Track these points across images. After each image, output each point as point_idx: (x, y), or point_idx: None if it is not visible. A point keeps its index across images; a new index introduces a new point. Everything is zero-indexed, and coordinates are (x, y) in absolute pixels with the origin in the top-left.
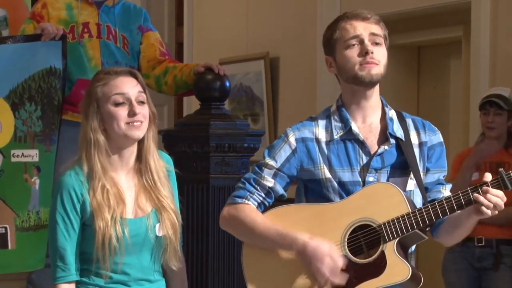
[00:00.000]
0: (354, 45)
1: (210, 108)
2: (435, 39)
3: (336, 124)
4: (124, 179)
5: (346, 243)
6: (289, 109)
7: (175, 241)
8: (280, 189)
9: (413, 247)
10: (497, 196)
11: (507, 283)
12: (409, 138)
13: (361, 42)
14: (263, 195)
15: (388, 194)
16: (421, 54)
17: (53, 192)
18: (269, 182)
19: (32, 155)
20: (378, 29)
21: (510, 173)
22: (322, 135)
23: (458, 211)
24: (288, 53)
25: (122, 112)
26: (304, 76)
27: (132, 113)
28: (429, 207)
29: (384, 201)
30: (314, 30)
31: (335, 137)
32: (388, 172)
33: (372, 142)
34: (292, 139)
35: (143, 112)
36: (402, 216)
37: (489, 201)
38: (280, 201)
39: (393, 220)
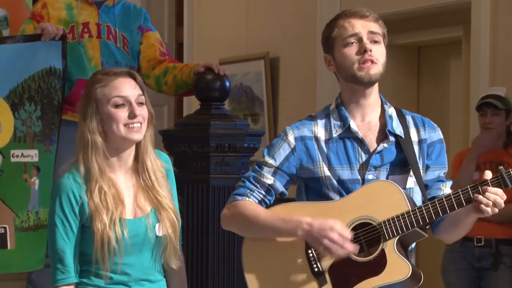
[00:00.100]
0: (352, 43)
1: (210, 108)
2: (435, 39)
3: (335, 122)
4: (122, 179)
5: None
6: (289, 109)
7: (174, 240)
8: (280, 187)
9: (413, 244)
10: (496, 194)
11: (506, 283)
12: (409, 135)
13: (360, 40)
14: (263, 193)
15: (388, 192)
16: (421, 54)
17: (52, 195)
18: (269, 179)
19: (32, 155)
20: (376, 27)
21: (510, 171)
22: (321, 133)
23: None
24: (288, 53)
25: (122, 114)
26: (304, 76)
27: (132, 115)
28: (429, 205)
29: (384, 199)
30: (314, 30)
31: (334, 135)
32: (388, 169)
33: (371, 140)
34: (291, 137)
35: (143, 113)
36: (402, 214)
37: (488, 199)
38: (281, 200)
39: (393, 219)
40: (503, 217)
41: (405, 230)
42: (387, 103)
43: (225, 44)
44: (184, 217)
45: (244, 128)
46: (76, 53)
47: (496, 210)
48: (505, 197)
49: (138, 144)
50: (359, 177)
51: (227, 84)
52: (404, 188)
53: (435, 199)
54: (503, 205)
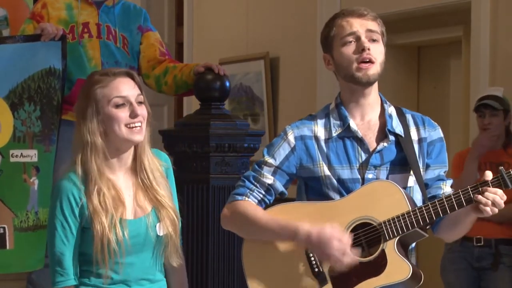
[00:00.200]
0: (350, 42)
1: (210, 108)
2: (435, 39)
3: (334, 122)
4: (122, 179)
5: None
6: (289, 109)
7: (175, 238)
8: (280, 186)
9: (414, 244)
10: (495, 194)
11: (506, 282)
12: (409, 134)
13: (358, 39)
14: (263, 192)
15: (388, 192)
16: (421, 54)
17: (51, 197)
18: (269, 179)
19: (31, 155)
20: (375, 26)
21: (510, 172)
22: (321, 133)
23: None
24: (288, 53)
25: (122, 114)
26: (304, 76)
27: (133, 115)
28: (430, 205)
29: (384, 199)
30: (314, 30)
31: (334, 134)
32: (388, 168)
33: (371, 139)
34: (291, 137)
35: (143, 112)
36: (403, 215)
37: (487, 198)
38: (281, 200)
39: (393, 219)
40: (503, 218)
41: (405, 230)
42: (387, 102)
43: (225, 44)
44: (184, 217)
45: (244, 128)
46: (76, 53)
47: (496, 210)
48: (505, 197)
49: (136, 144)
50: (359, 177)
51: (227, 84)
52: (404, 187)
53: (436, 199)
54: (502, 205)
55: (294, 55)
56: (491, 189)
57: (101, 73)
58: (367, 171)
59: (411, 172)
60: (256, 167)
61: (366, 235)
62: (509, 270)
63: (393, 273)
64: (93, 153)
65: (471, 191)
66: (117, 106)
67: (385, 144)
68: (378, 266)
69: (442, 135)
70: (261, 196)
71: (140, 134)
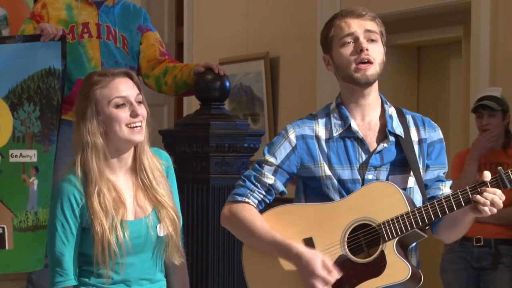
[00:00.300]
0: (349, 42)
1: (210, 108)
2: (435, 39)
3: (335, 121)
4: (122, 179)
5: (346, 243)
6: (289, 109)
7: (176, 238)
8: (280, 186)
9: (414, 243)
10: (494, 194)
11: (505, 282)
12: (409, 135)
13: (356, 39)
14: (264, 193)
15: (388, 193)
16: (421, 54)
17: (52, 197)
18: (270, 179)
19: (31, 155)
20: (373, 26)
21: (508, 172)
22: (321, 132)
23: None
24: (288, 53)
25: (123, 114)
26: (304, 76)
27: (134, 114)
28: (429, 206)
29: (384, 200)
30: (314, 30)
31: (335, 134)
32: (388, 169)
33: (371, 140)
34: (292, 136)
35: (143, 112)
36: (402, 216)
37: (486, 198)
38: (280, 200)
39: (392, 220)
40: (501, 220)
41: (404, 231)
42: (387, 103)
43: (225, 44)
44: (184, 217)
45: (244, 128)
46: (76, 53)
47: (495, 210)
48: (503, 197)
49: (136, 144)
50: (359, 177)
51: (227, 84)
52: (404, 188)
53: (435, 200)
54: (501, 205)
55: (294, 55)
56: (490, 189)
57: (99, 74)
58: (367, 172)
59: (411, 173)
60: (257, 166)
61: (366, 236)
62: (508, 270)
63: (392, 274)
64: (93, 154)
65: (470, 191)
66: (118, 106)
67: (385, 144)
68: (377, 267)
69: (442, 136)
70: (262, 196)
71: (141, 134)
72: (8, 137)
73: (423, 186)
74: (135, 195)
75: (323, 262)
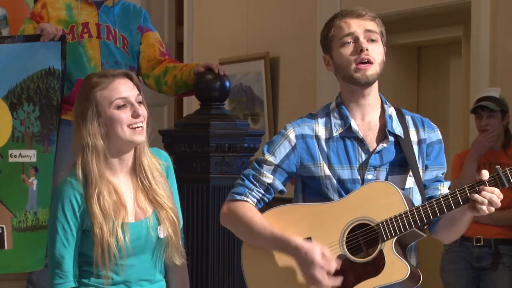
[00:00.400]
0: (349, 42)
1: (210, 108)
2: (435, 39)
3: (335, 121)
4: (123, 181)
5: (344, 242)
6: (289, 109)
7: (175, 238)
8: (279, 185)
9: (414, 244)
10: (492, 193)
11: (505, 282)
12: (408, 136)
13: (356, 39)
14: (262, 192)
15: (386, 193)
16: (421, 54)
17: (53, 199)
18: (268, 178)
19: (30, 155)
20: (373, 26)
21: (506, 170)
22: (321, 132)
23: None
24: (288, 53)
25: (124, 115)
26: (304, 76)
27: (136, 115)
28: (427, 205)
29: (382, 200)
30: (314, 30)
31: (335, 134)
32: (387, 169)
33: (371, 140)
34: (292, 135)
35: (144, 112)
36: (400, 215)
37: (484, 197)
38: (279, 200)
39: (391, 219)
40: (499, 222)
41: (403, 230)
42: (387, 103)
43: (225, 44)
44: (184, 217)
45: (244, 128)
46: (76, 53)
47: (493, 209)
48: (501, 196)
49: (138, 144)
50: (359, 177)
51: (227, 84)
52: (403, 188)
53: (433, 199)
54: (499, 204)
55: (294, 55)
56: (488, 188)
57: (99, 75)
58: (366, 172)
59: (410, 173)
60: (256, 165)
61: (364, 235)
62: (508, 270)
63: (391, 273)
64: (93, 156)
65: (468, 190)
66: (119, 107)
67: (385, 144)
68: (376, 266)
69: (440, 137)
70: (260, 195)
71: (142, 134)
72: (7, 137)
73: (423, 187)
74: (135, 196)
75: (322, 252)
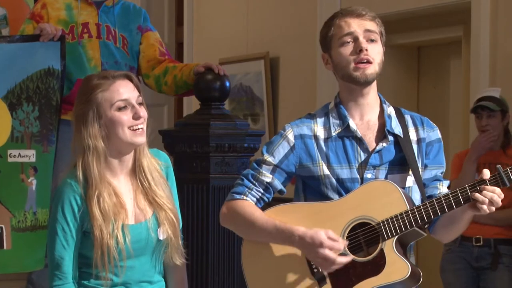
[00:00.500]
0: (348, 42)
1: (210, 108)
2: (435, 39)
3: (334, 121)
4: (123, 182)
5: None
6: (289, 109)
7: (175, 239)
8: (278, 184)
9: (412, 242)
10: (493, 192)
11: (505, 282)
12: (408, 135)
13: (355, 39)
14: (262, 191)
15: (387, 192)
16: (421, 54)
17: (53, 201)
18: (267, 177)
19: (29, 155)
20: (373, 26)
21: (507, 170)
22: (320, 132)
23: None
24: (288, 53)
25: (125, 117)
26: (304, 76)
27: (137, 116)
28: (428, 204)
29: (383, 199)
30: (314, 30)
31: (333, 134)
32: (387, 168)
33: (370, 139)
34: (290, 135)
35: (144, 114)
36: (401, 214)
37: (485, 196)
38: (279, 200)
39: (391, 218)
40: (500, 222)
41: (403, 229)
42: (386, 102)
43: (225, 44)
44: (184, 217)
45: (244, 128)
46: (76, 53)
47: (493, 208)
48: (502, 195)
49: (138, 146)
50: (358, 176)
51: (227, 84)
52: (403, 187)
53: (434, 198)
54: (500, 203)
55: (294, 55)
56: (489, 187)
57: (99, 77)
58: (366, 171)
59: (410, 172)
60: (255, 165)
61: (365, 234)
62: (508, 270)
63: (392, 273)
64: (94, 157)
65: (469, 189)
66: (120, 109)
67: (384, 144)
68: (377, 265)
69: (440, 136)
70: (260, 194)
71: (143, 136)
72: (6, 137)
73: (422, 186)
74: (135, 197)
75: (327, 233)
